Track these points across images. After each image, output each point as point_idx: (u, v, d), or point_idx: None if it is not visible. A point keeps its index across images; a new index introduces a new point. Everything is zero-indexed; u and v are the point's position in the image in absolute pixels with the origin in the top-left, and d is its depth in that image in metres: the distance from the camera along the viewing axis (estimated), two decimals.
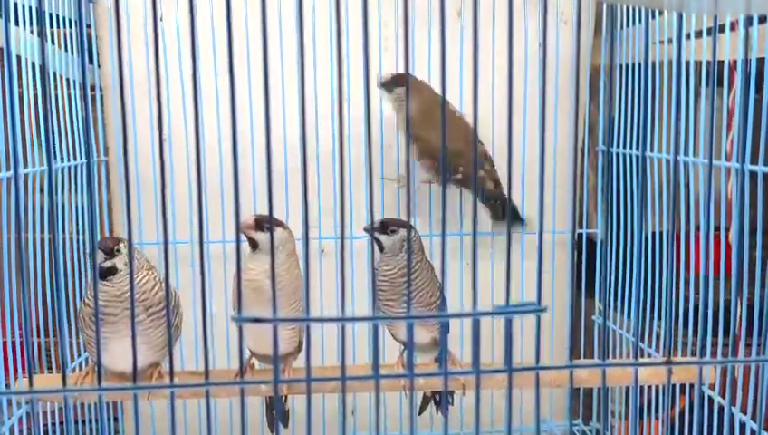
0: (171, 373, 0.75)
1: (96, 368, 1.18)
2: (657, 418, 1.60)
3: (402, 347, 1.28)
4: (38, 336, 1.49)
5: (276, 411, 0.95)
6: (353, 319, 0.75)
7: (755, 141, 1.07)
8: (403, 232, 1.22)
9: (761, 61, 1.09)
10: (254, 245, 1.20)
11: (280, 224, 1.22)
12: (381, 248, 1.24)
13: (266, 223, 1.19)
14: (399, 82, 1.47)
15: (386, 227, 1.23)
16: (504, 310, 0.75)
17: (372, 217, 1.32)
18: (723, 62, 1.44)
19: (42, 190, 1.31)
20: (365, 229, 1.24)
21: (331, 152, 1.60)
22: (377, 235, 1.23)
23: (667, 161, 1.41)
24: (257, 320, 0.73)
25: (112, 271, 1.11)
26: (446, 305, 1.25)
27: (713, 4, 0.71)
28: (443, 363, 0.74)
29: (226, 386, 0.80)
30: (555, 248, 1.69)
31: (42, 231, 1.32)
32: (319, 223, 1.63)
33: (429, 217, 1.63)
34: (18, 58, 1.21)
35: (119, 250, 1.14)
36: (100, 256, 1.12)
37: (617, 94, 1.58)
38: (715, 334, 1.24)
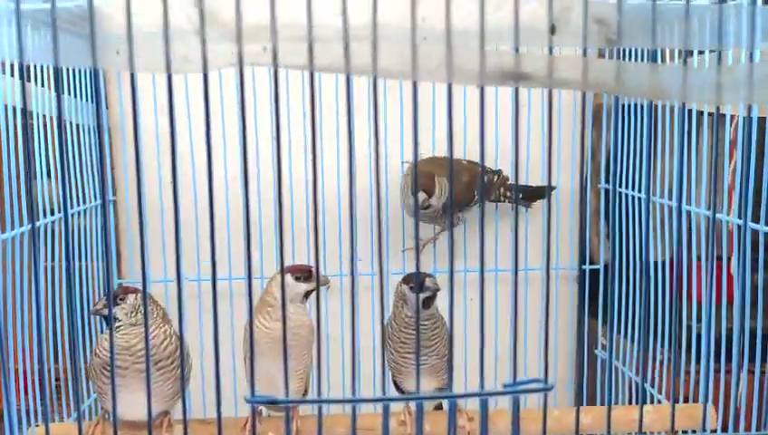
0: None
1: (107, 418, 1.20)
2: None
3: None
4: (48, 362, 1.49)
5: None
6: (365, 400, 0.77)
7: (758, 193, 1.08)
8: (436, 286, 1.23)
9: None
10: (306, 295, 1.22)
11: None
12: (430, 305, 1.24)
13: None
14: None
15: (423, 284, 1.22)
16: (511, 389, 0.77)
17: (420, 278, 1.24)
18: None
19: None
20: (430, 289, 1.22)
21: (335, 192, 1.62)
22: (421, 295, 1.22)
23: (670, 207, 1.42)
24: (273, 402, 0.75)
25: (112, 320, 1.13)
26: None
27: (715, 95, 0.73)
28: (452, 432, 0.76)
29: None
30: (559, 283, 1.71)
31: (52, 259, 1.32)
32: (324, 259, 1.64)
33: (433, 251, 1.64)
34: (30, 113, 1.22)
35: (122, 299, 1.15)
36: (101, 303, 1.13)
37: (619, 133, 1.59)
38: (717, 360, 1.25)
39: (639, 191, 1.52)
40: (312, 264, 1.27)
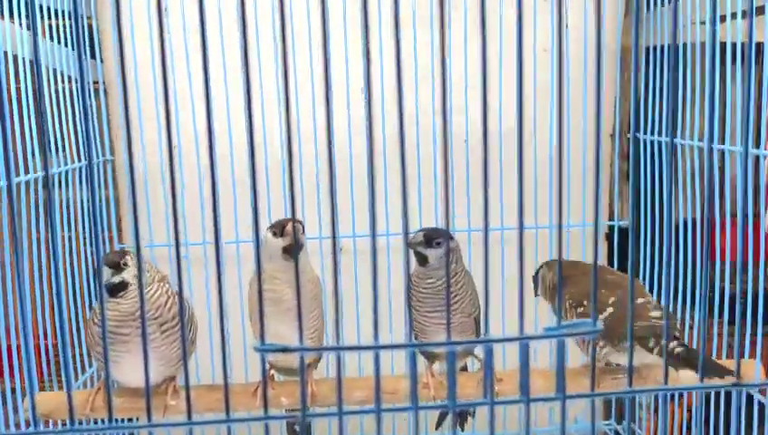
0: (188, 407, 0.68)
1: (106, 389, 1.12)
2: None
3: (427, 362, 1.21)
4: (45, 338, 1.42)
5: (300, 427, 0.89)
6: (388, 346, 0.68)
7: None
8: (449, 243, 1.14)
9: None
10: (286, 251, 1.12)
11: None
12: (425, 262, 1.15)
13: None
14: None
15: (430, 240, 1.13)
16: (555, 332, 0.68)
17: (406, 227, 1.18)
18: (761, 43, 1.34)
19: (44, 186, 1.24)
20: (409, 244, 1.13)
21: (347, 148, 1.53)
22: (420, 249, 1.14)
23: (700, 149, 1.32)
24: (284, 350, 0.67)
25: (122, 286, 1.05)
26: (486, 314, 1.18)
27: None
28: (489, 393, 0.67)
29: (248, 420, 0.73)
30: (585, 241, 1.61)
31: (37, 231, 1.25)
32: (337, 221, 1.55)
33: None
34: (15, 57, 1.13)
35: (125, 263, 1.07)
36: (106, 272, 1.04)
37: (649, 78, 1.49)
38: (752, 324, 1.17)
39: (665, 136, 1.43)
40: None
